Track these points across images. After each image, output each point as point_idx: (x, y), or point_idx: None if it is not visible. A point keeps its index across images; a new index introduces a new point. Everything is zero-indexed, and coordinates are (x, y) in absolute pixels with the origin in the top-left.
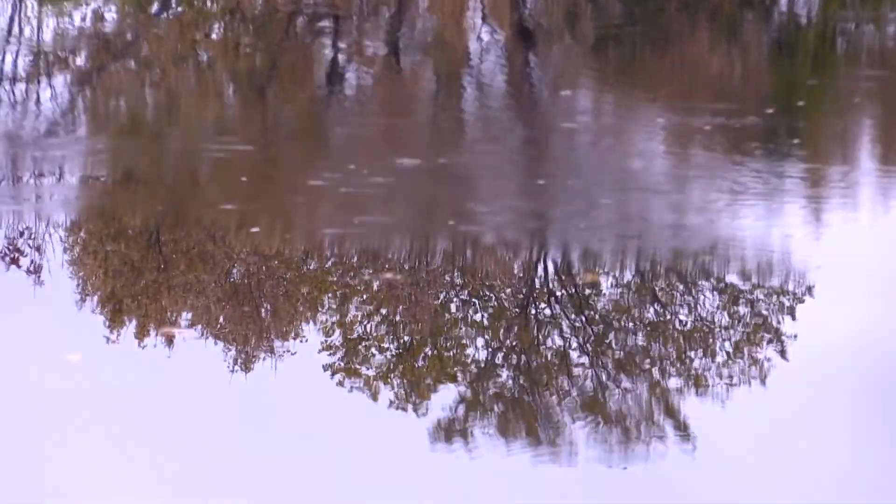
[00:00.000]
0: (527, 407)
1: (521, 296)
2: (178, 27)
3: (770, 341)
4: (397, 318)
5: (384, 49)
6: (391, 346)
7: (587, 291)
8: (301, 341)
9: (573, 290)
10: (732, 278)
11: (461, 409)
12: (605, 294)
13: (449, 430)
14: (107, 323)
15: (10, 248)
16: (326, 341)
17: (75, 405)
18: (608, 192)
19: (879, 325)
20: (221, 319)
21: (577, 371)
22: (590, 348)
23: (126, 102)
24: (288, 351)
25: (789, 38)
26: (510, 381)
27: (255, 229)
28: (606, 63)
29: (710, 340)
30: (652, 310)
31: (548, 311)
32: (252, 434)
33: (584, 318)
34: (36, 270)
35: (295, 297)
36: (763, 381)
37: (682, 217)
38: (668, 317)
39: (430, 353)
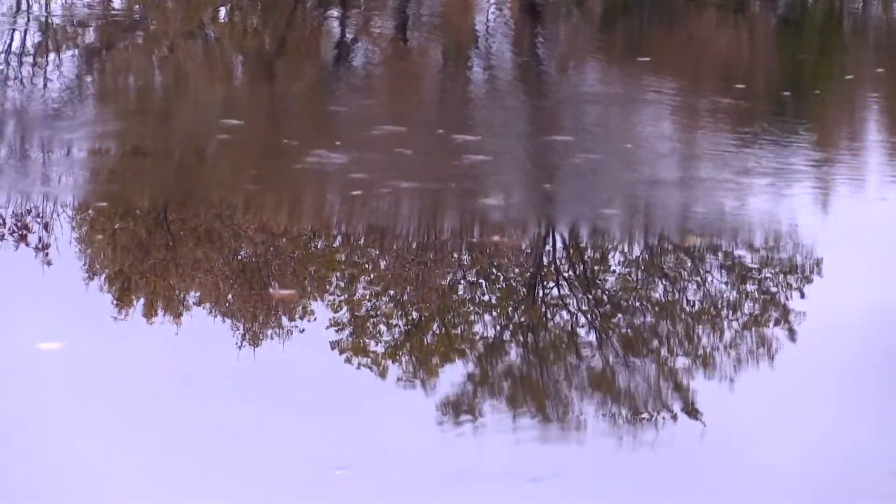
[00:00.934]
0: (535, 384)
1: (530, 274)
2: (186, 6)
3: (778, 321)
4: (405, 297)
5: (392, 27)
6: (399, 322)
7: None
8: (309, 319)
9: (582, 269)
10: (741, 255)
11: (469, 386)
12: (613, 271)
13: (457, 407)
14: (114, 301)
15: (19, 224)
16: (334, 318)
17: (81, 382)
18: (616, 171)
19: (890, 303)
20: (230, 297)
21: (584, 349)
22: (598, 325)
23: (134, 80)
24: (296, 328)
25: (797, 16)
26: (518, 358)
27: (262, 207)
28: (614, 40)
29: (719, 319)
30: (660, 288)
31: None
32: (259, 411)
33: (591, 297)
34: (44, 248)
35: (302, 274)
36: (771, 360)
37: (691, 195)
38: (676, 295)
39: (438, 330)
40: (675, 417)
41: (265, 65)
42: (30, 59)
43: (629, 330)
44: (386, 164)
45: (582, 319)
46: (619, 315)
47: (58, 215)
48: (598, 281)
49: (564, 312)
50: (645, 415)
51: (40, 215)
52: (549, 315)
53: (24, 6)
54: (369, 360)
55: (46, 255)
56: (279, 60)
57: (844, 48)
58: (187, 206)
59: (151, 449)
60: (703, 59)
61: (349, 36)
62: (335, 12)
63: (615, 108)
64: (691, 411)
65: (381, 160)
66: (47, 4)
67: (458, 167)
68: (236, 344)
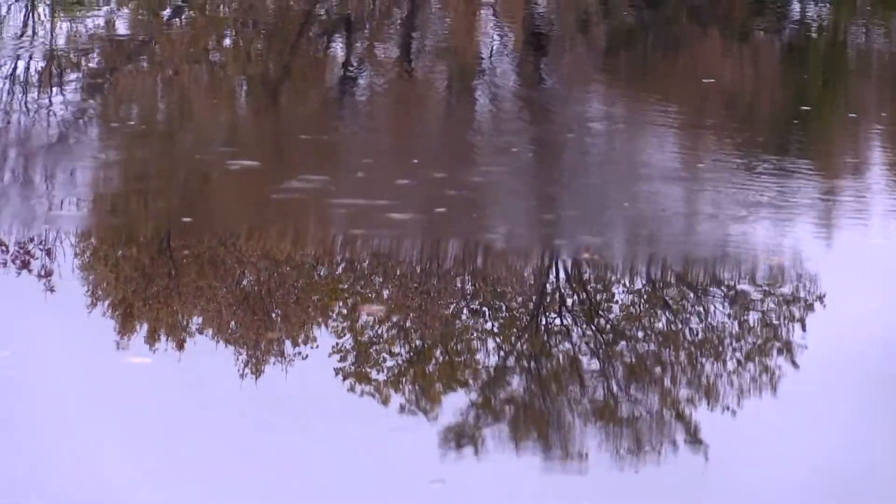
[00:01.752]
0: (538, 412)
1: (532, 304)
2: (190, 32)
3: (781, 350)
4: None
5: (396, 52)
6: (402, 350)
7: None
8: (312, 346)
9: (585, 297)
10: (743, 286)
11: (472, 414)
12: (616, 301)
13: (459, 435)
14: (117, 328)
15: (21, 251)
16: (337, 345)
17: (82, 411)
18: (620, 199)
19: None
20: (233, 324)
21: (588, 378)
22: (601, 354)
23: (138, 107)
24: (299, 355)
25: (800, 45)
26: (521, 387)
27: (264, 234)
28: (618, 67)
29: (721, 349)
30: (663, 318)
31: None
32: (262, 437)
33: (595, 327)
34: (47, 275)
35: (306, 302)
36: (774, 390)
37: (694, 224)
38: (679, 325)
39: (441, 358)
40: (681, 446)
41: (268, 92)
42: (33, 85)
43: (634, 358)
44: (385, 192)
45: (585, 348)
46: (624, 344)
47: (60, 242)
48: (601, 311)
49: (566, 342)
50: (649, 445)
51: (42, 242)
52: (551, 344)
53: (28, 32)
54: (372, 387)
55: (49, 281)
56: (282, 88)
57: (849, 78)
58: (189, 234)
59: (151, 477)
60: (706, 89)
61: (353, 63)
62: (339, 39)
63: (617, 137)
64: (698, 441)
65: (380, 189)
66: (52, 30)
67: (456, 196)
68: (238, 373)
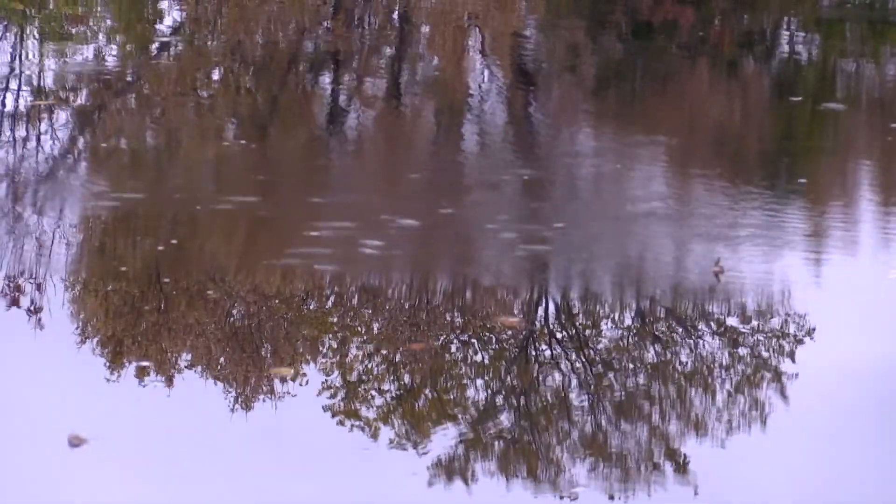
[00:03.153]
0: (527, 447)
1: (522, 336)
2: (178, 67)
3: (770, 382)
4: (397, 358)
5: (385, 89)
6: (391, 387)
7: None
8: (301, 383)
9: (574, 331)
10: (732, 320)
11: (461, 450)
12: (605, 335)
13: (449, 470)
14: (107, 364)
15: (11, 286)
16: (326, 381)
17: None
18: (609, 233)
19: (883, 366)
20: (222, 360)
21: (576, 412)
22: (591, 388)
23: (126, 143)
24: (288, 392)
25: (789, 77)
26: (510, 422)
27: (253, 271)
28: (607, 104)
29: (711, 381)
30: (652, 351)
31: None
32: (251, 475)
33: (584, 359)
34: (36, 311)
35: (295, 337)
36: (763, 423)
37: (683, 258)
38: (668, 357)
39: (430, 394)
40: (672, 479)
41: (257, 129)
42: (21, 121)
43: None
44: (374, 230)
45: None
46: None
47: (50, 278)
48: (591, 344)
49: (557, 373)
50: (640, 478)
51: (33, 278)
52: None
53: (16, 68)
54: (362, 422)
55: (39, 319)
56: (271, 125)
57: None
58: (177, 270)
59: None
60: (696, 123)
61: (342, 100)
62: (328, 76)
63: (605, 173)
64: (687, 473)
65: (370, 227)
66: (40, 65)
67: (446, 234)
68: (229, 408)
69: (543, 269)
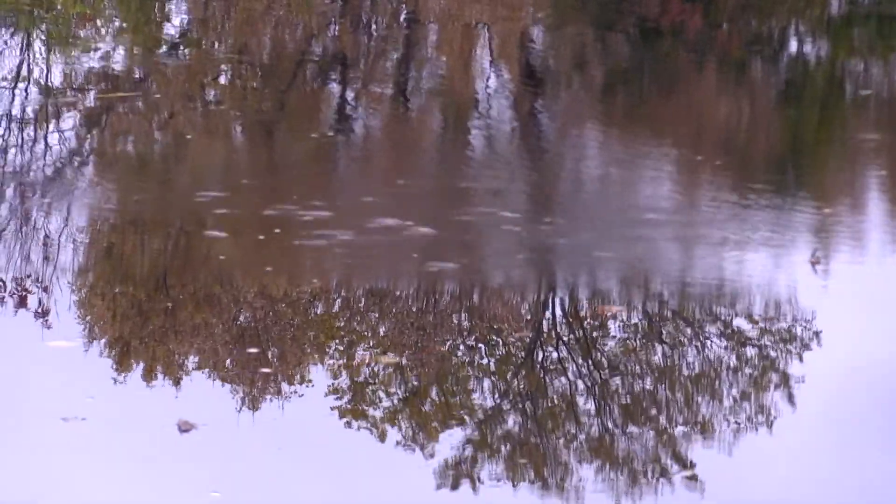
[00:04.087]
0: (534, 450)
1: (528, 340)
2: (186, 70)
3: (777, 386)
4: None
5: (392, 92)
6: (398, 389)
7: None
8: (307, 385)
9: (581, 333)
10: (740, 322)
11: (468, 452)
12: (612, 336)
13: (456, 474)
14: (114, 366)
15: (19, 288)
16: (333, 384)
17: (77, 450)
18: (616, 236)
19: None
20: (228, 362)
21: (583, 416)
22: (597, 392)
23: (133, 145)
24: (295, 393)
25: (797, 82)
26: (517, 425)
27: (260, 273)
28: (615, 107)
29: (718, 384)
30: (659, 352)
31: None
32: (259, 475)
33: (591, 362)
34: (44, 313)
35: (302, 340)
36: (770, 427)
37: (690, 261)
38: (676, 360)
39: (436, 397)
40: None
41: (264, 132)
42: (29, 125)
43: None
44: (381, 233)
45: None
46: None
47: (56, 280)
48: (597, 347)
49: (563, 378)
50: (647, 482)
51: (39, 280)
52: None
53: (24, 72)
54: (369, 424)
55: (46, 320)
56: (278, 128)
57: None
58: (184, 272)
59: None
60: (703, 127)
61: (349, 103)
62: (335, 78)
63: (613, 177)
64: (695, 478)
65: (377, 231)
66: (48, 70)
67: (452, 240)
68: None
69: (551, 272)
